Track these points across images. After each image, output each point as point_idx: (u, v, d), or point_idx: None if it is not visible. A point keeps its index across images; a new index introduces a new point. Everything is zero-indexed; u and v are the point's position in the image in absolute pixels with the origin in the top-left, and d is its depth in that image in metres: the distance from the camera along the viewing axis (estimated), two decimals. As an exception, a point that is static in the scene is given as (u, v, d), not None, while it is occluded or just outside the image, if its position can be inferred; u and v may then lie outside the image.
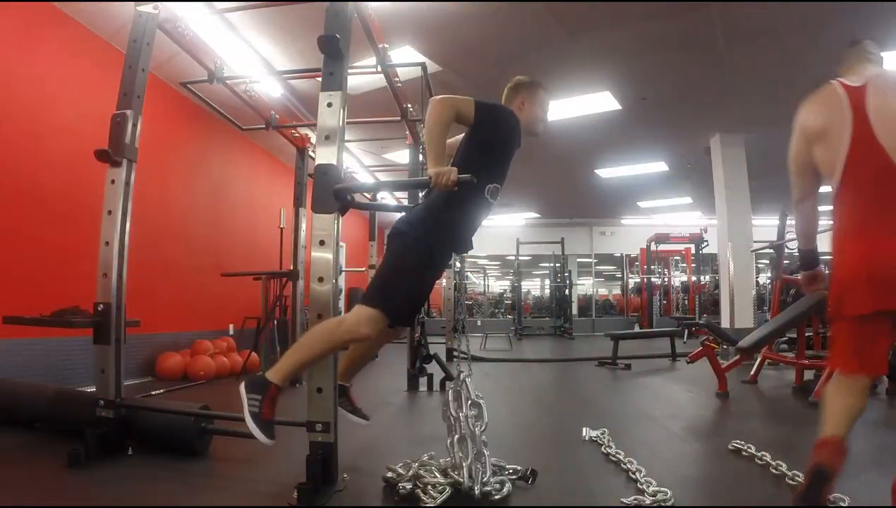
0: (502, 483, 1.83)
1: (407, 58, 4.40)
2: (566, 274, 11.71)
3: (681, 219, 12.08)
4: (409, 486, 1.82)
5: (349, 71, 2.10)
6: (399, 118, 4.19)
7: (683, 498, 1.78)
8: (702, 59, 4.81)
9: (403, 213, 2.02)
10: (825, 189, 1.71)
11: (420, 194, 2.16)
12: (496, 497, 1.78)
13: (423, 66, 3.68)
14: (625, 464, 2.12)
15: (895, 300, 1.48)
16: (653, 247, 11.79)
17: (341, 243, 2.66)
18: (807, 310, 4.11)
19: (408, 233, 1.88)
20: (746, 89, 5.45)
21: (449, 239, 1.93)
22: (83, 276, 2.92)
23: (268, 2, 3.61)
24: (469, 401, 1.94)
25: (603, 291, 15.39)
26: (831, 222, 1.67)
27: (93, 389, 2.38)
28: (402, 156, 6.55)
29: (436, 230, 1.87)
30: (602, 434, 2.58)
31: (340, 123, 1.99)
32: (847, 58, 1.79)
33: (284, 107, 5.18)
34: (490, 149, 1.93)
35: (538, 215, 12.41)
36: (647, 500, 1.73)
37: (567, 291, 11.75)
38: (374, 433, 2.86)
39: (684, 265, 12.79)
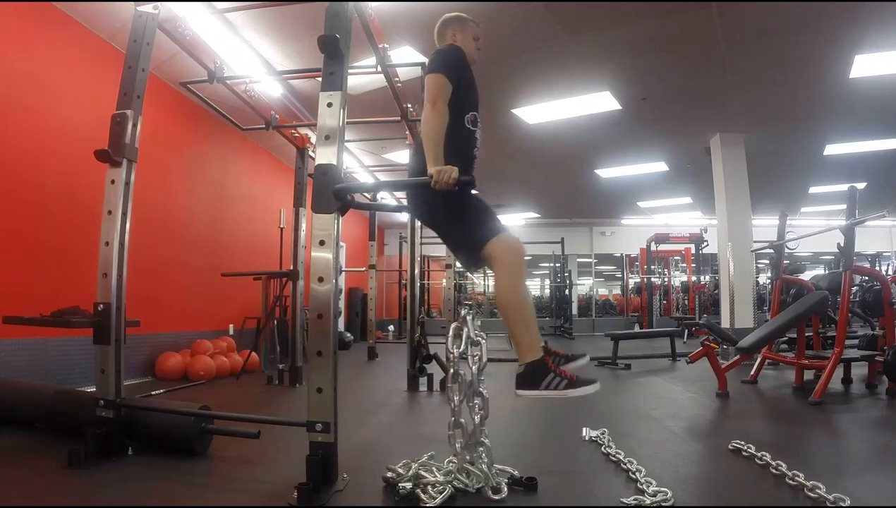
0: (500, 485, 1.82)
1: (407, 58, 4.39)
2: (566, 274, 11.71)
3: (681, 219, 12.08)
4: (409, 486, 1.81)
5: (349, 71, 2.10)
6: (399, 118, 4.19)
7: (683, 498, 1.78)
8: (702, 59, 4.81)
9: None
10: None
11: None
12: (496, 497, 1.78)
13: (423, 65, 3.68)
14: (625, 464, 2.12)
15: None
16: (653, 247, 11.79)
17: (341, 243, 2.67)
18: (807, 310, 4.11)
19: (432, 197, 1.88)
20: (746, 89, 5.45)
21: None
22: (83, 276, 2.92)
23: (268, 2, 3.61)
24: (469, 340, 1.90)
25: (603, 291, 15.38)
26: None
27: (93, 389, 2.38)
28: (402, 156, 6.56)
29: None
30: (602, 434, 2.58)
31: (340, 123, 1.99)
32: None
33: (284, 107, 5.18)
34: (455, 88, 1.99)
35: (538, 215, 12.40)
36: (647, 500, 1.73)
37: (567, 291, 11.75)
38: (374, 433, 2.87)
39: (684, 265, 12.79)
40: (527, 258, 1.88)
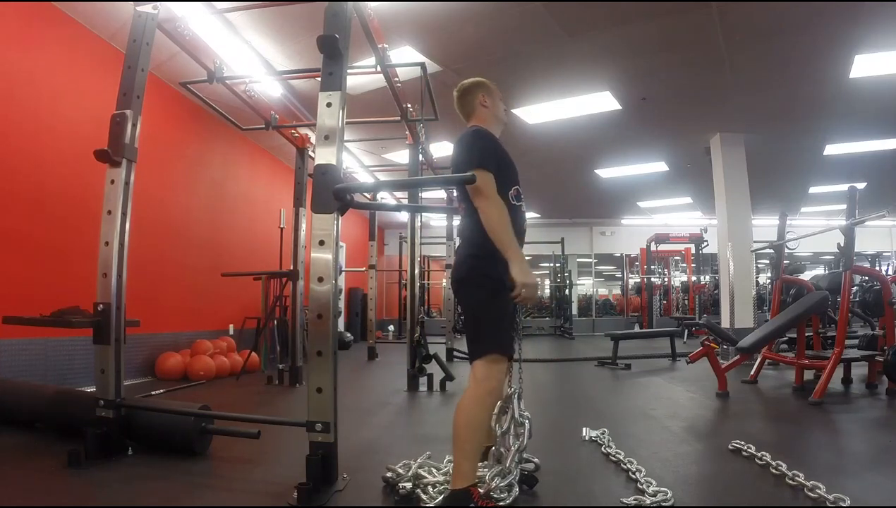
0: (510, 487, 1.80)
1: (407, 58, 4.39)
2: (566, 274, 11.71)
3: (681, 219, 12.08)
4: (409, 486, 1.82)
5: (349, 71, 2.10)
6: (399, 118, 4.20)
7: (683, 498, 1.78)
8: (702, 59, 4.81)
9: (461, 251, 1.87)
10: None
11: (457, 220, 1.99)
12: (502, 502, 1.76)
13: (423, 65, 3.68)
14: (625, 464, 2.12)
15: None
16: (653, 247, 11.79)
17: (341, 243, 2.67)
18: (807, 310, 4.11)
19: (479, 277, 1.79)
20: (746, 89, 5.45)
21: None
22: (83, 276, 2.92)
23: (268, 2, 3.61)
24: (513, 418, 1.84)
25: (603, 291, 15.37)
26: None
27: (93, 389, 2.38)
28: (402, 156, 6.56)
29: (497, 259, 1.75)
30: (602, 434, 2.58)
31: (340, 123, 1.99)
32: None
33: (284, 107, 5.18)
34: (495, 172, 1.83)
35: (538, 215, 12.40)
36: (647, 500, 1.73)
37: (567, 291, 11.75)
38: (374, 433, 2.87)
39: (684, 265, 12.79)
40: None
